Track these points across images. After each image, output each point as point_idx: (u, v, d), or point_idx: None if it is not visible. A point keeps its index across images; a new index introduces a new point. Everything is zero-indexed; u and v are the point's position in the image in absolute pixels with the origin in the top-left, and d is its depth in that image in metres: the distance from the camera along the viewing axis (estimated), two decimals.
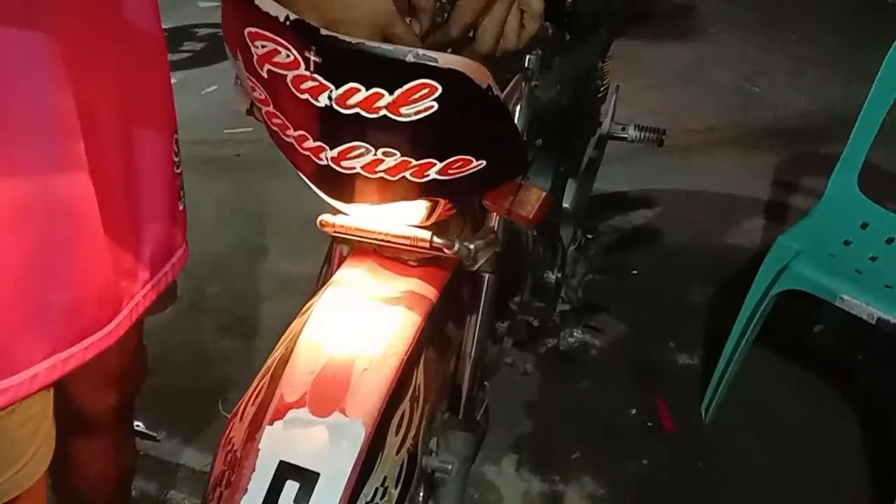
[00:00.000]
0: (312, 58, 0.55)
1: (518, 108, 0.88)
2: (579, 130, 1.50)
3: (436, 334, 0.87)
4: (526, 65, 0.89)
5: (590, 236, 1.57)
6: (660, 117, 2.78)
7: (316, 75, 0.56)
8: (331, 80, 0.56)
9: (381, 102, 0.57)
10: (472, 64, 0.56)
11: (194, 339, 1.87)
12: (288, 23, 0.54)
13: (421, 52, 0.54)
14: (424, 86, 0.56)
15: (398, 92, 0.56)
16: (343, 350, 0.68)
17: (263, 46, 0.58)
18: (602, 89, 1.58)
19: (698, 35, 3.70)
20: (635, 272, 2.06)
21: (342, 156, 0.62)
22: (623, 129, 1.71)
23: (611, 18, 1.46)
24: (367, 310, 0.73)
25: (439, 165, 0.63)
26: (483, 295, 0.85)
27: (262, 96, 0.63)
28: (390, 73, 0.55)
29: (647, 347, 1.84)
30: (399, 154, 0.61)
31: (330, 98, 0.57)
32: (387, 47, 0.54)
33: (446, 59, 0.55)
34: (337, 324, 0.71)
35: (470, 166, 0.64)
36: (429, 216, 0.71)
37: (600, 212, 2.26)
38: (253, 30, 0.57)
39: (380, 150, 0.61)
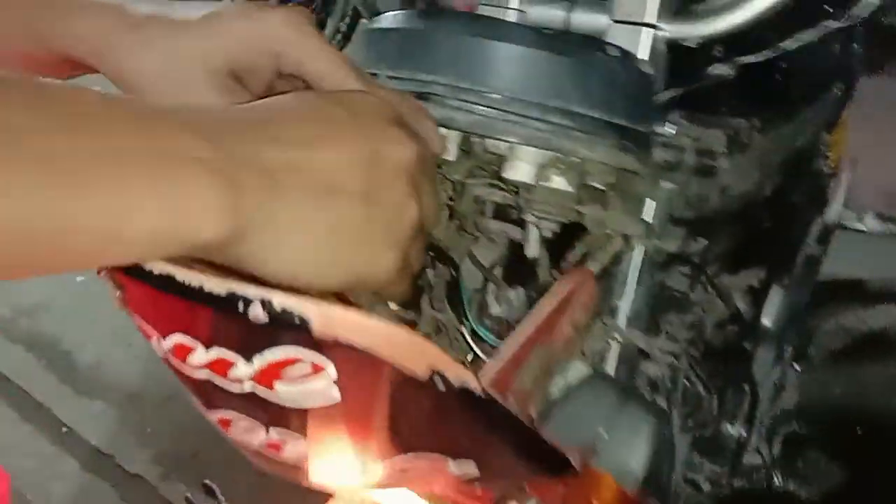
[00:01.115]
0: (117, 294, 0.32)
1: (622, 295, 0.55)
2: (789, 223, 1.12)
3: None
4: (644, 215, 0.56)
5: (797, 367, 1.16)
6: None
7: (136, 316, 0.33)
8: (153, 327, 0.32)
9: (238, 372, 0.30)
10: (389, 332, 0.27)
11: None
12: None
13: (278, 299, 0.26)
14: (299, 360, 0.27)
15: (259, 362, 0.28)
16: None
17: None
18: (828, 167, 1.18)
19: None
20: (860, 430, 1.55)
21: (224, 424, 0.35)
22: (859, 217, 1.31)
23: (844, 74, 1.07)
24: None
25: (384, 465, 0.34)
26: None
27: None
28: (233, 330, 0.28)
29: None
30: (303, 438, 0.33)
31: (165, 352, 0.32)
32: (213, 282, 0.26)
33: (328, 320, 0.26)
34: None
35: (446, 467, 0.34)
36: None
37: (826, 310, 1.79)
38: None
39: (272, 430, 0.33)
